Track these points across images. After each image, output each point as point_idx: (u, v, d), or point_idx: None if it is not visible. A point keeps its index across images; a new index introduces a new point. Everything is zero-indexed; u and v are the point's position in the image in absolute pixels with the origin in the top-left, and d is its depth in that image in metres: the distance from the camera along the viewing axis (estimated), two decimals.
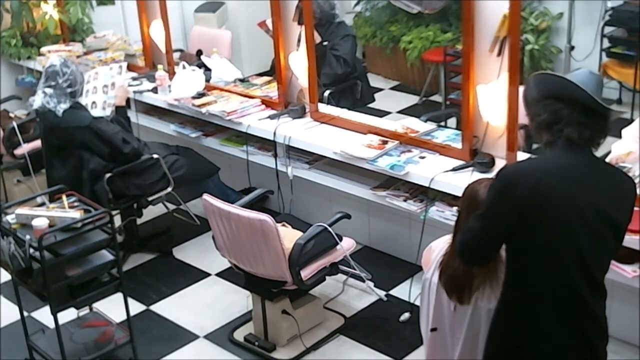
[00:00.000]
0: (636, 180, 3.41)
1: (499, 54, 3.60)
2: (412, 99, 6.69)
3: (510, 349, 2.47)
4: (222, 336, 4.05)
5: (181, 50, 5.95)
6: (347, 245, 3.84)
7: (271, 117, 4.67)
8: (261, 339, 3.92)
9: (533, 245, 2.37)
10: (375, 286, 4.28)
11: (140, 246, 4.86)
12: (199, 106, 4.86)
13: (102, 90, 4.75)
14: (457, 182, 3.69)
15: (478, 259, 2.56)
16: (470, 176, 3.71)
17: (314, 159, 4.53)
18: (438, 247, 2.98)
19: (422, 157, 4.00)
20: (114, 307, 3.83)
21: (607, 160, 3.56)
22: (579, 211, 2.30)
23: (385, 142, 4.15)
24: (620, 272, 3.27)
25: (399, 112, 6.31)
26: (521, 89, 3.58)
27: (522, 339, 2.43)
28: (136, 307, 4.27)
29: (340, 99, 5.15)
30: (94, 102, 4.65)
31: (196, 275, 4.62)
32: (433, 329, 2.98)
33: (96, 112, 4.55)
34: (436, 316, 2.95)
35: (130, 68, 5.65)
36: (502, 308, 2.51)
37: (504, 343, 2.49)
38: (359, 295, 4.28)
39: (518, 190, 2.33)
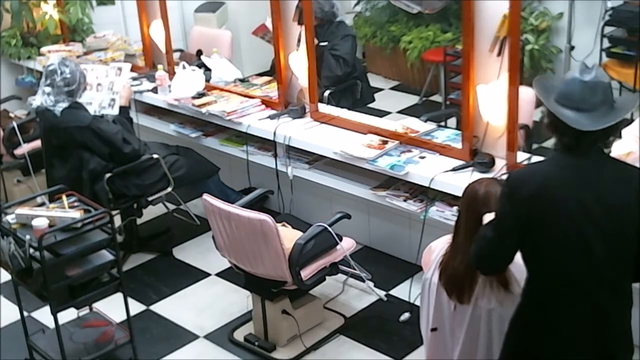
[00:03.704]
0: None
1: (499, 54, 3.60)
2: (412, 99, 6.69)
3: (527, 352, 2.47)
4: (222, 336, 4.05)
5: (181, 50, 5.95)
6: (347, 245, 3.84)
7: (271, 117, 4.67)
8: (261, 339, 3.92)
9: (544, 252, 2.36)
10: (375, 286, 4.28)
11: (140, 246, 4.86)
12: (199, 106, 4.86)
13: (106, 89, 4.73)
14: (457, 182, 3.68)
15: (494, 267, 2.54)
16: (470, 176, 3.71)
17: (314, 159, 4.53)
18: (438, 248, 2.99)
19: (422, 157, 4.00)
20: (114, 307, 3.83)
21: None
22: (587, 214, 2.28)
23: (385, 142, 4.15)
24: None
25: (399, 112, 6.30)
26: (521, 89, 3.61)
27: (539, 342, 2.42)
28: (136, 307, 4.27)
29: (340, 99, 5.15)
30: (102, 100, 4.63)
31: (196, 275, 4.62)
32: (433, 329, 2.98)
33: (106, 111, 4.55)
34: (436, 316, 2.96)
35: (130, 68, 5.67)
36: (520, 313, 2.49)
37: (521, 346, 2.49)
38: (359, 295, 4.28)
39: (523, 195, 2.33)
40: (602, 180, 2.32)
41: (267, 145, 4.72)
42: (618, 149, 3.57)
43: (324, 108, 4.63)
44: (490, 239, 2.44)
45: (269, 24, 4.84)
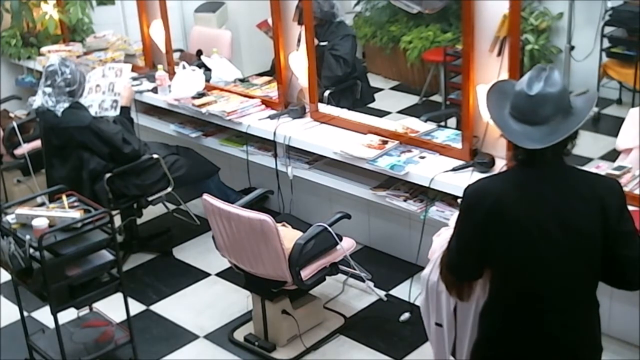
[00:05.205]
0: (636, 180, 3.43)
1: (499, 54, 3.60)
2: (412, 99, 6.70)
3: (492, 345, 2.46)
4: (222, 336, 4.05)
5: (181, 50, 5.95)
6: (347, 245, 3.84)
7: (271, 117, 4.67)
8: (261, 339, 3.92)
9: (501, 264, 2.33)
10: (375, 286, 4.28)
11: (140, 246, 4.86)
12: (199, 106, 4.86)
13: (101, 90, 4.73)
14: (457, 182, 3.69)
15: (463, 277, 2.48)
16: (470, 176, 3.71)
17: (314, 159, 4.53)
18: (439, 246, 2.99)
19: (422, 157, 4.00)
20: (114, 307, 3.83)
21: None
22: (542, 228, 2.22)
23: (385, 142, 4.15)
24: None
25: (399, 112, 6.31)
26: None
27: (505, 353, 2.41)
28: (136, 307, 4.27)
29: (340, 99, 5.15)
30: (102, 101, 4.63)
31: (196, 275, 4.62)
32: (438, 324, 2.97)
33: (108, 112, 4.54)
34: (437, 315, 2.96)
35: (130, 69, 5.67)
36: (483, 313, 2.50)
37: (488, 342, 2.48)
38: (359, 295, 4.28)
39: (478, 210, 2.28)
40: (560, 194, 2.23)
41: (267, 145, 4.72)
42: (622, 138, 3.61)
43: (324, 108, 4.63)
44: (454, 252, 2.41)
45: (270, 23, 4.83)
